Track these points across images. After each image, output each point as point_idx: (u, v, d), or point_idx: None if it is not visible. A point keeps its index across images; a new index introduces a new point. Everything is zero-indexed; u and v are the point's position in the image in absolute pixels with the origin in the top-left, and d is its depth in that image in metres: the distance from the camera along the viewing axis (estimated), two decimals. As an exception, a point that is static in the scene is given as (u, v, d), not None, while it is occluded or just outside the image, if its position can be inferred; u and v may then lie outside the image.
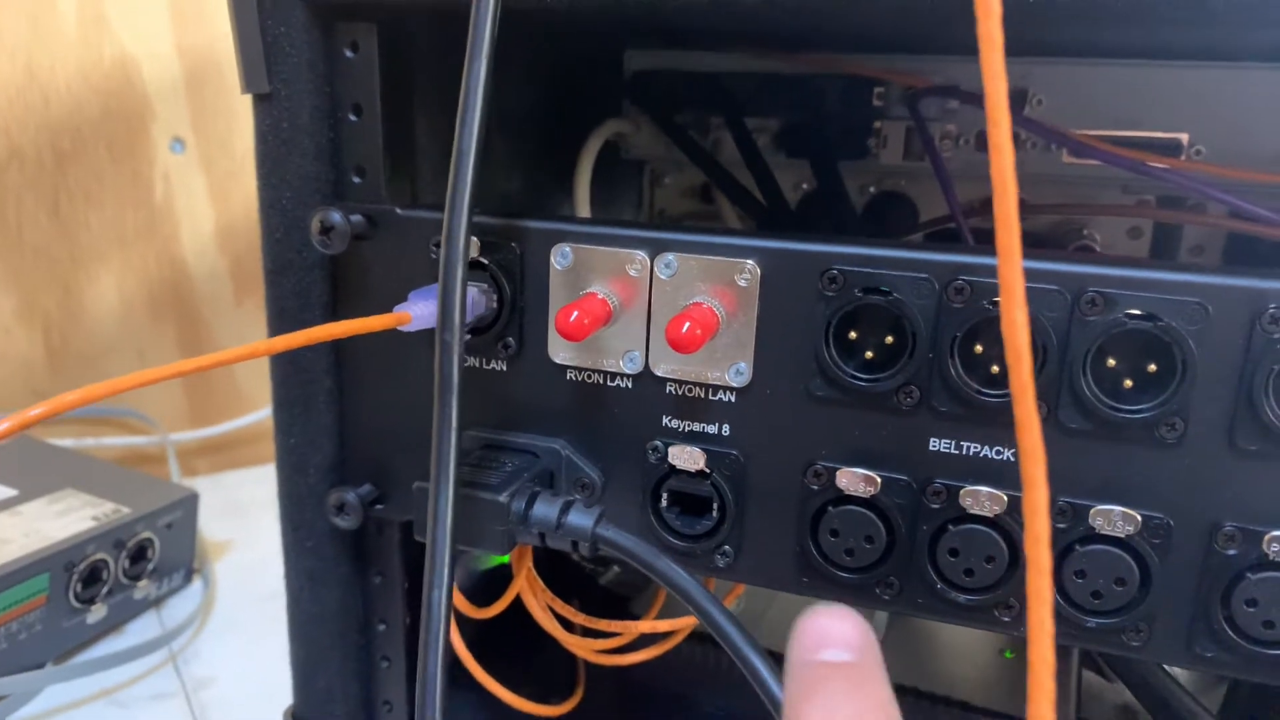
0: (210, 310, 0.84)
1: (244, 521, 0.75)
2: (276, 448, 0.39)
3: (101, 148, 0.77)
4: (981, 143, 0.51)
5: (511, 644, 0.47)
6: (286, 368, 0.37)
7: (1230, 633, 0.28)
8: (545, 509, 0.32)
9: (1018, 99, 0.49)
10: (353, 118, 0.35)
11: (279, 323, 0.37)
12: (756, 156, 0.49)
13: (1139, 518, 0.28)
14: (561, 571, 0.52)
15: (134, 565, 0.59)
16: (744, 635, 0.28)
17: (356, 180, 0.36)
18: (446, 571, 0.29)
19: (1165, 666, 0.39)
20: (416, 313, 0.30)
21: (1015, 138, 0.50)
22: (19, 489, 0.60)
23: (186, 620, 0.60)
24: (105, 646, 0.58)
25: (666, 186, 0.58)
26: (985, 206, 0.51)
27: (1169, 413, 0.28)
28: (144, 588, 0.60)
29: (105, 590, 0.57)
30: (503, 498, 0.31)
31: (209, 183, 0.82)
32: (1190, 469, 0.28)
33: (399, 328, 0.31)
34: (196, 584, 0.65)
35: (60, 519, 0.57)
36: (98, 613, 0.57)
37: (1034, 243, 0.52)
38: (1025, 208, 0.51)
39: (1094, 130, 0.49)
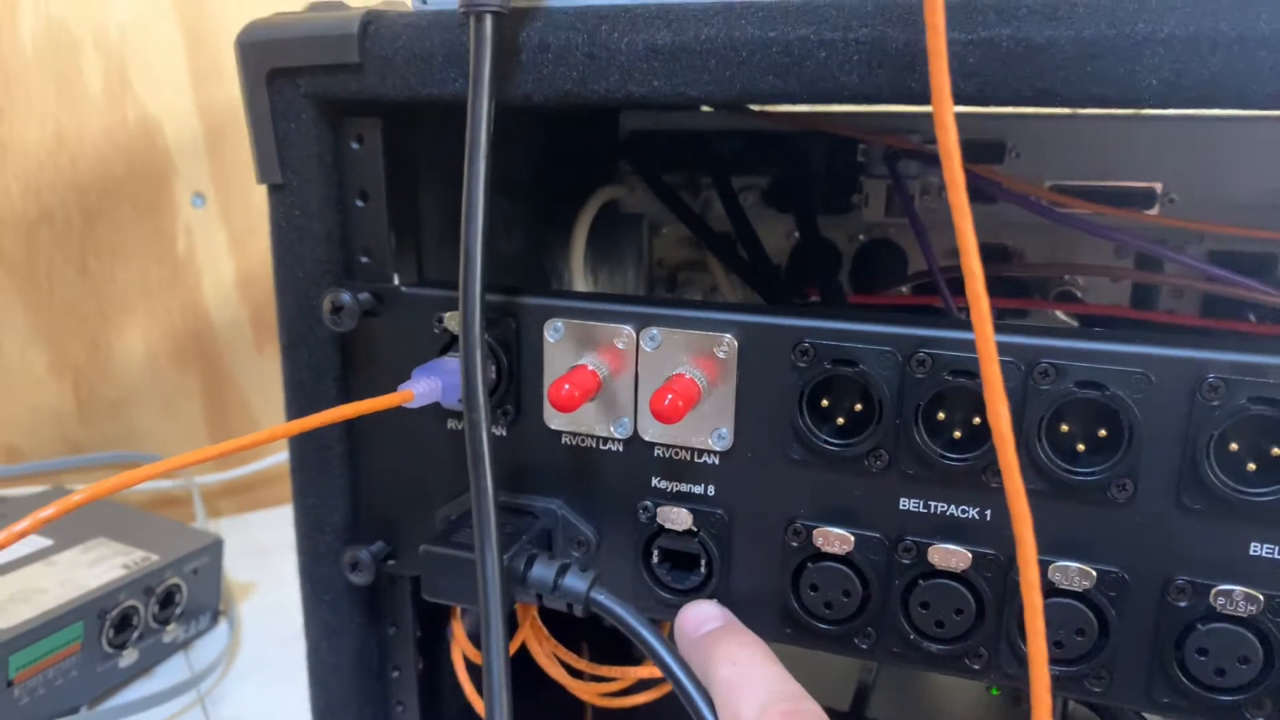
0: (232, 358, 0.88)
1: (267, 562, 0.78)
2: (294, 508, 0.41)
3: (126, 205, 0.80)
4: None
5: (522, 686, 0.49)
6: (302, 441, 0.40)
7: (1185, 680, 0.30)
8: (542, 571, 0.34)
9: (996, 151, 0.52)
10: (359, 203, 0.38)
11: (295, 394, 0.39)
12: (741, 216, 0.51)
13: (1094, 573, 0.30)
14: (569, 617, 0.54)
15: (163, 610, 0.62)
16: (712, 711, 0.31)
17: (364, 260, 0.38)
18: (501, 641, 0.31)
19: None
20: (419, 390, 0.33)
21: (995, 190, 0.53)
22: (54, 539, 0.63)
23: (213, 663, 0.62)
24: (136, 689, 0.61)
25: (664, 236, 0.61)
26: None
27: (1119, 474, 0.30)
28: (172, 631, 0.63)
29: (136, 635, 0.60)
30: (504, 559, 0.34)
31: (229, 235, 0.85)
32: (1141, 527, 0.30)
33: (405, 406, 0.33)
34: (222, 626, 0.68)
35: (93, 568, 0.60)
36: (129, 657, 0.60)
37: (1018, 290, 0.54)
38: (1006, 256, 0.54)
39: (1071, 180, 0.51)
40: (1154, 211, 0.51)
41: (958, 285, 0.52)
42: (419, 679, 0.44)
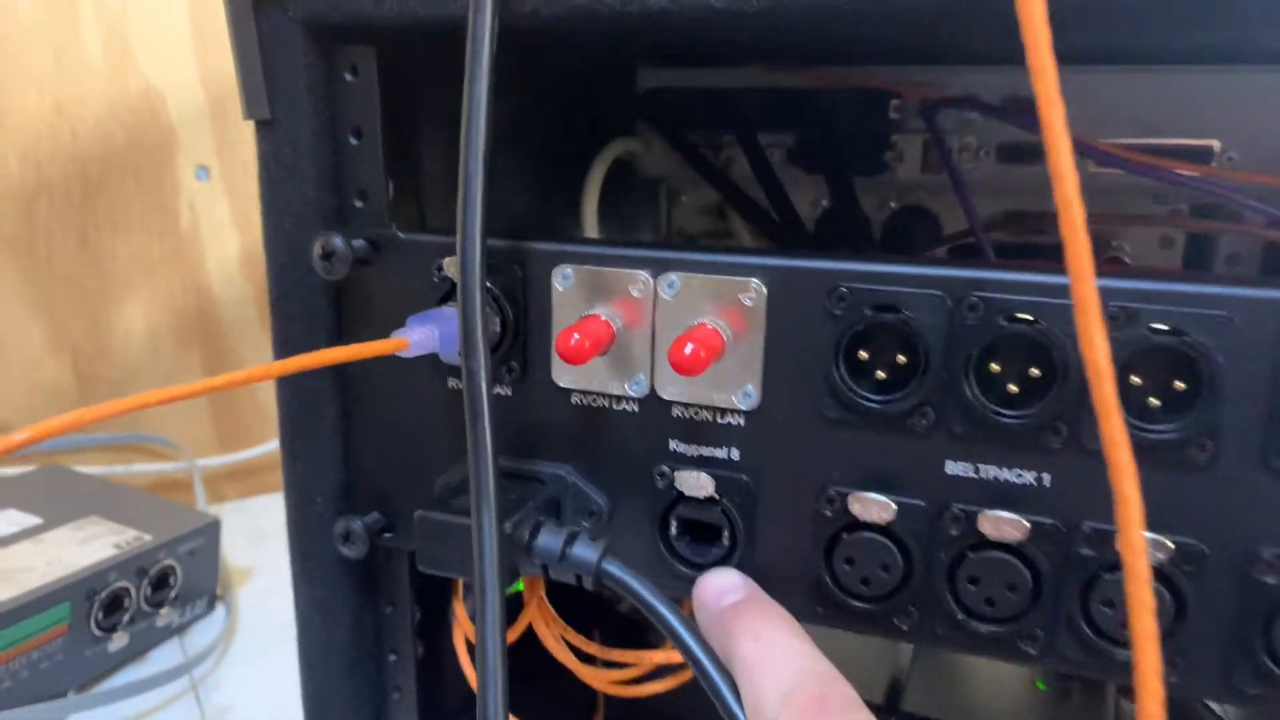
0: (236, 336, 0.85)
1: (267, 547, 0.75)
2: (284, 476, 0.38)
3: (128, 179, 0.78)
4: (1003, 154, 0.49)
5: (529, 673, 0.46)
6: (291, 397, 0.37)
7: (1275, 667, 0.27)
8: (549, 539, 0.31)
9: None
10: (353, 141, 0.35)
11: (284, 349, 0.36)
12: (769, 172, 0.48)
13: (1170, 544, 0.27)
14: (580, 600, 0.51)
15: (156, 593, 0.59)
16: (736, 696, 0.27)
17: (359, 205, 0.35)
18: (495, 611, 0.28)
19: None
20: (414, 339, 0.30)
21: (1036, 148, 0.49)
22: (44, 516, 0.61)
23: (207, 648, 0.60)
24: (127, 675, 0.58)
25: (683, 205, 0.58)
26: (1008, 220, 0.50)
27: (1198, 433, 0.26)
28: (166, 615, 0.60)
29: (127, 618, 0.57)
30: (506, 527, 0.30)
31: (233, 209, 0.83)
32: (1223, 492, 0.27)
33: (399, 354, 0.30)
34: (219, 611, 0.65)
35: (82, 546, 0.57)
36: (119, 641, 0.57)
37: (1060, 255, 0.51)
38: (1049, 220, 0.50)
39: (1123, 139, 0.48)
40: (1211, 171, 0.47)
41: (1000, 248, 0.48)
42: (417, 663, 0.41)
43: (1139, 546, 0.22)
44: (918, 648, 0.44)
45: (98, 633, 0.56)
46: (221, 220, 0.82)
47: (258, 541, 0.77)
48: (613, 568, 0.30)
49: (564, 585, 0.39)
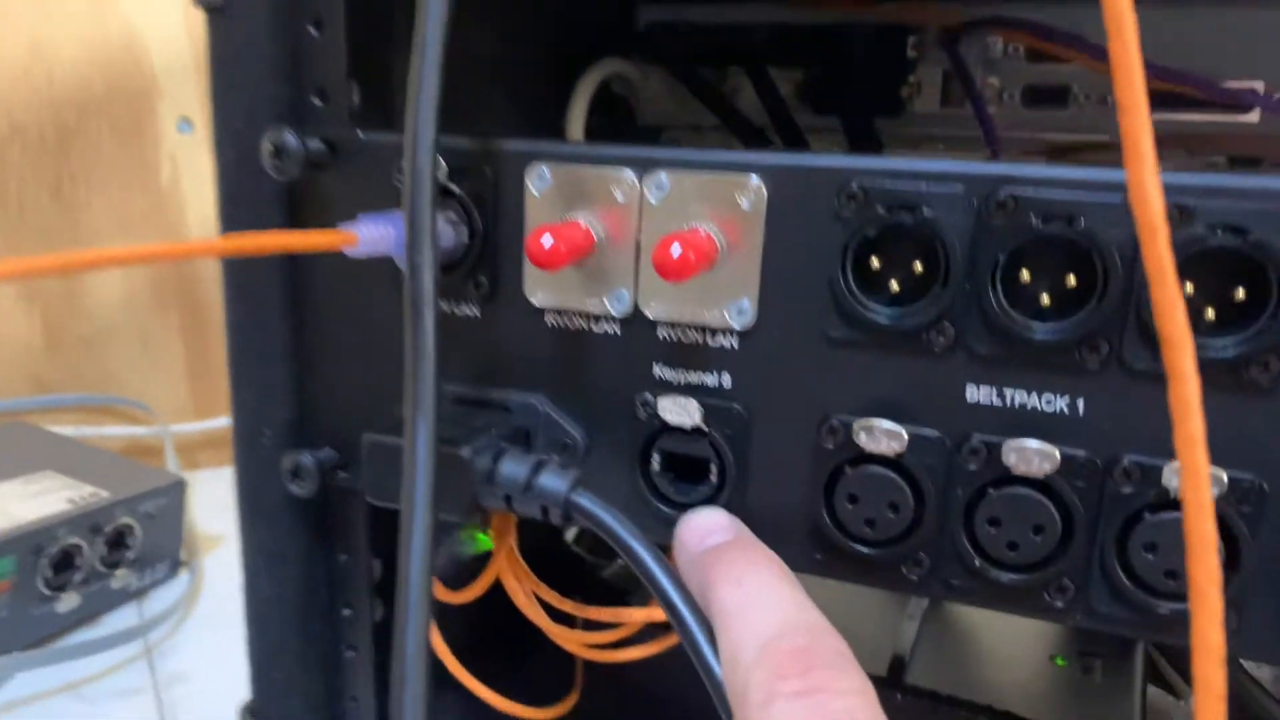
0: (217, 297, 0.81)
1: (240, 515, 0.72)
2: (232, 406, 0.35)
3: (106, 128, 0.75)
4: (1029, 98, 0.46)
5: (504, 644, 0.42)
6: (239, 314, 0.33)
7: (1340, 623, 0.23)
8: (513, 467, 0.27)
9: (1075, 44, 0.45)
10: (314, 32, 0.31)
11: (234, 262, 0.33)
12: (780, 104, 0.44)
13: (1225, 478, 0.23)
14: (560, 564, 0.47)
15: (112, 553, 0.56)
16: (713, 646, 0.24)
17: (318, 103, 0.32)
18: (422, 538, 0.24)
19: (1250, 672, 0.33)
20: (364, 234, 0.26)
21: (1063, 90, 0.46)
22: (-3, 470, 0.57)
23: (165, 612, 0.56)
24: (78, 638, 0.54)
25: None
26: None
27: (1260, 349, 0.23)
28: (123, 577, 0.57)
29: (79, 578, 0.54)
30: (464, 452, 0.27)
31: (217, 165, 0.79)
32: (1288, 419, 0.23)
33: (347, 251, 0.27)
34: (183, 577, 0.62)
35: (32, 500, 0.53)
36: (70, 601, 0.54)
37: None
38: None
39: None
40: (1253, 117, 0.44)
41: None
42: (379, 624, 0.37)
43: (1201, 471, 0.18)
44: (925, 619, 0.41)
45: (46, 591, 0.52)
46: (205, 175, 0.79)
47: (230, 510, 0.73)
48: (583, 499, 0.27)
49: (541, 546, 0.36)
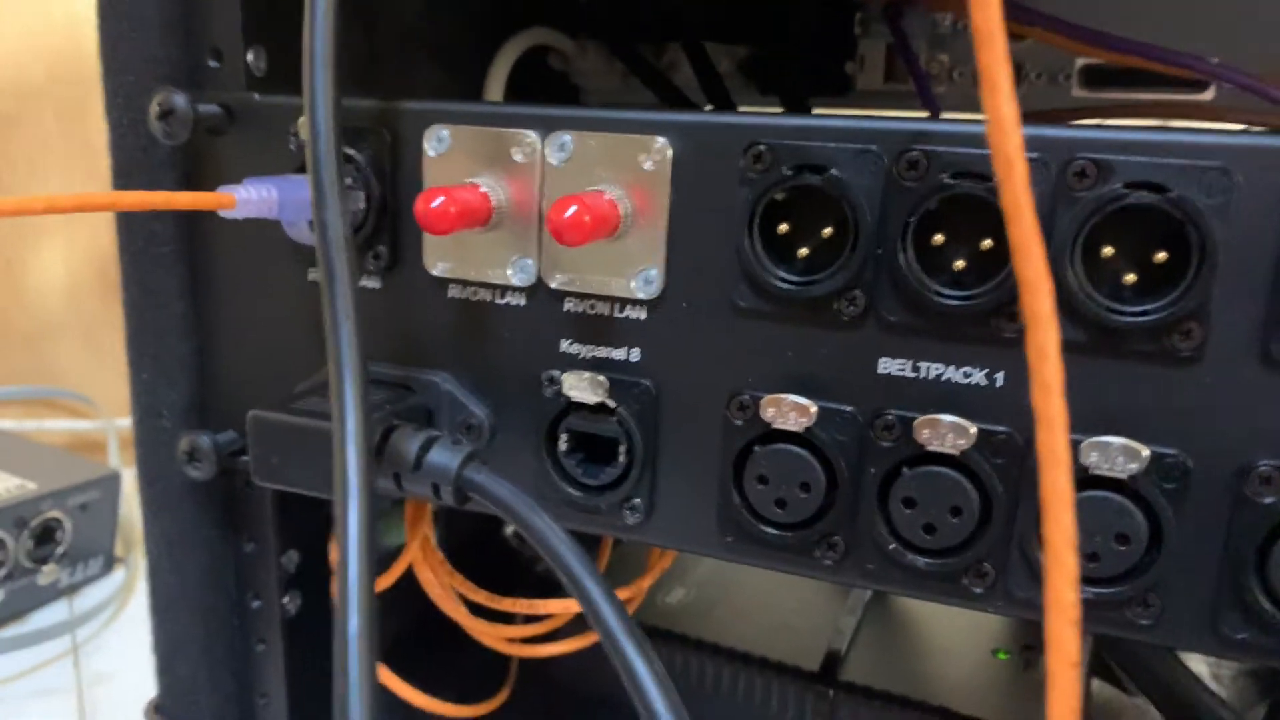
0: (165, 289, 0.80)
1: (185, 511, 0.70)
2: (130, 387, 0.33)
3: (49, 114, 0.73)
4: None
5: (433, 640, 0.41)
6: (134, 290, 0.32)
7: (1269, 606, 0.22)
8: (402, 444, 0.26)
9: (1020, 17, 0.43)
10: (207, -11, 0.30)
11: (127, 233, 0.31)
12: (717, 81, 0.43)
13: (1146, 454, 0.22)
14: (491, 561, 0.45)
15: (39, 547, 0.54)
16: (624, 624, 0.22)
17: (214, 65, 0.30)
18: (361, 531, 0.22)
19: (1187, 664, 0.32)
20: (243, 196, 0.25)
21: (1019, 68, 0.45)
22: (-81, 463, 0.55)
23: (93, 610, 0.54)
24: (1, 635, 0.52)
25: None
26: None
27: (1182, 315, 0.21)
28: (51, 573, 0.55)
29: (3, 573, 0.52)
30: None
31: (165, 153, 0.78)
32: (1212, 391, 0.22)
33: (226, 214, 0.25)
34: (118, 574, 0.60)
35: (-48, 492, 0.52)
36: (-8, 598, 0.52)
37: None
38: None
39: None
40: (1208, 95, 0.42)
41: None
42: (295, 616, 0.36)
43: (1057, 453, 0.17)
44: (866, 612, 0.39)
45: (-35, 587, 0.50)
46: (151, 164, 0.77)
47: (175, 505, 0.71)
48: (478, 475, 0.25)
49: (474, 546, 0.34)
